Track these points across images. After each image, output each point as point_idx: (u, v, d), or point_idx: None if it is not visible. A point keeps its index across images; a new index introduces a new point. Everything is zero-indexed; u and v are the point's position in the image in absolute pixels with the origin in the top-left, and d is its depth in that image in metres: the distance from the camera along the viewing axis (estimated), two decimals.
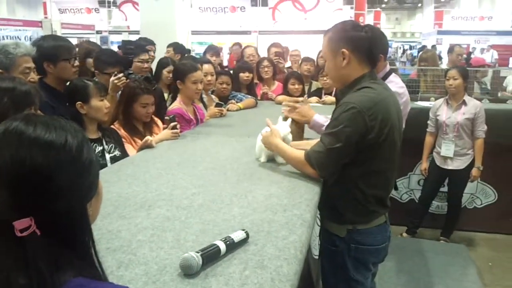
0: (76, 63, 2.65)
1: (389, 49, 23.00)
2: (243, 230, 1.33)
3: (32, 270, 0.70)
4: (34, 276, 0.70)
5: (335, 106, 1.92)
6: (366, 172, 1.83)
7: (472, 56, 9.55)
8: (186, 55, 5.07)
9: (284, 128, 2.12)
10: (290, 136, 2.13)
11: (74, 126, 0.78)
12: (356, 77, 1.84)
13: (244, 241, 1.30)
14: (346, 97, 1.81)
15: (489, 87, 5.18)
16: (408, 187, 4.82)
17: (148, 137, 2.51)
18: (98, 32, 18.70)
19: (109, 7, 19.17)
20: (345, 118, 1.74)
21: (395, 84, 2.55)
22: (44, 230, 0.71)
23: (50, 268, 0.72)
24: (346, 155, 1.78)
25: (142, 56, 3.68)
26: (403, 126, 2.58)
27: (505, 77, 6.00)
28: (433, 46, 15.74)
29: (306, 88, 4.80)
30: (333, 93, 4.30)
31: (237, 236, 1.29)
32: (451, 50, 6.31)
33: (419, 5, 31.67)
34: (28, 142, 0.72)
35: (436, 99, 4.46)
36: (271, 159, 2.17)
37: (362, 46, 1.82)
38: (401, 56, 21.28)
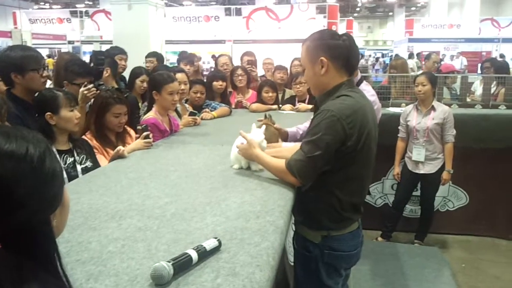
0: (45, 73, 2.60)
1: (362, 56, 23.39)
2: (216, 238, 1.32)
3: None
4: None
5: (314, 114, 1.94)
6: (343, 179, 1.85)
7: (442, 63, 9.78)
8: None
9: (258, 135, 2.12)
10: (264, 143, 2.13)
11: (36, 136, 0.77)
12: (335, 84, 1.87)
13: (216, 249, 1.29)
14: (325, 105, 1.83)
15: (458, 93, 5.30)
16: (382, 192, 4.88)
17: (120, 147, 2.48)
18: (70, 42, 18.48)
19: (81, 17, 18.93)
20: (324, 125, 1.76)
21: (367, 92, 2.58)
22: (5, 242, 0.70)
23: (13, 281, 0.70)
24: (326, 162, 1.80)
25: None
26: None
27: (472, 83, 6.16)
28: (418, 54, 16.07)
29: (280, 96, 4.83)
30: (307, 100, 4.34)
31: (209, 244, 1.28)
32: (428, 57, 6.46)
33: (390, 13, 32.36)
34: None
35: (406, 105, 4.54)
36: (247, 167, 2.18)
37: (340, 54, 1.85)
38: (374, 64, 21.64)
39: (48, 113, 2.32)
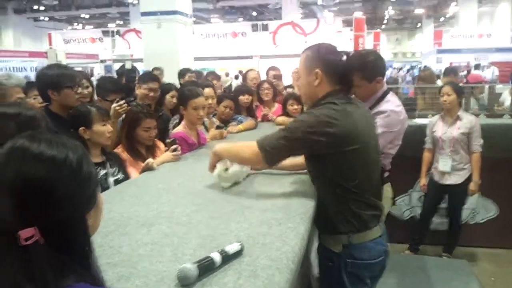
0: (80, 90, 2.75)
1: (391, 69, 23.14)
2: (239, 242, 1.39)
3: (37, 276, 0.77)
4: (40, 282, 0.77)
5: None
6: (348, 179, 1.88)
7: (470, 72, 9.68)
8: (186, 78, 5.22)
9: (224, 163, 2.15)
10: (245, 169, 2.22)
11: (74, 142, 0.86)
12: (324, 94, 1.94)
13: (239, 253, 1.36)
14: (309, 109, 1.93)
15: (485, 103, 5.26)
16: (409, 204, 4.85)
17: (149, 160, 2.58)
18: (102, 61, 19.04)
19: (112, 36, 19.53)
20: (304, 119, 1.86)
21: (392, 103, 2.61)
22: (47, 238, 0.78)
23: (55, 274, 0.78)
24: (301, 148, 1.88)
25: (151, 84, 3.72)
26: (400, 142, 2.66)
27: (501, 94, 6.08)
28: (425, 66, 15.86)
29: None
30: None
31: (232, 248, 1.35)
32: (447, 73, 6.46)
33: (419, 25, 32.04)
34: (32, 158, 0.80)
35: (433, 115, 4.53)
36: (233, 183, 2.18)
37: (335, 70, 1.92)
38: (404, 76, 21.44)
39: (82, 127, 2.45)
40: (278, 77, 5.33)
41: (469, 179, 4.11)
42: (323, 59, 1.93)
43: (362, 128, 1.91)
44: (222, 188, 2.13)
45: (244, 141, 2.14)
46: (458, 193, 4.20)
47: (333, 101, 1.88)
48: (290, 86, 5.56)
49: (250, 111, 4.52)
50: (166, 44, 9.20)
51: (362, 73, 2.49)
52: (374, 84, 2.58)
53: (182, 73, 5.31)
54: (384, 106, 2.56)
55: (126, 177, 2.59)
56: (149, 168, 2.55)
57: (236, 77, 14.53)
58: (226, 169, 2.14)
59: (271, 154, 1.89)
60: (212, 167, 2.15)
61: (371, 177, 1.98)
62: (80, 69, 18.04)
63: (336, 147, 1.82)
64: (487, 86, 5.67)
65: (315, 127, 1.81)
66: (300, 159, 2.17)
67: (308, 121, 1.83)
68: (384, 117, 2.49)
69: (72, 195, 0.81)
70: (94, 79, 3.99)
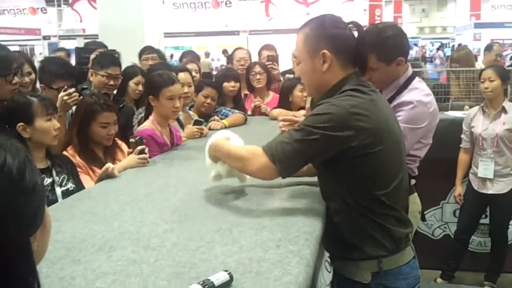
0: (16, 80, 2.70)
1: (415, 47, 23.25)
2: (226, 271, 1.38)
3: None
4: None
5: None
6: (370, 187, 1.85)
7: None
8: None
9: (236, 139, 2.17)
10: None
11: (15, 144, 0.85)
12: (337, 81, 1.91)
13: (227, 284, 1.35)
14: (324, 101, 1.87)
15: None
16: (441, 220, 4.88)
17: (109, 164, 2.57)
18: (45, 37, 18.95)
19: (59, 6, 19.44)
20: (322, 113, 1.79)
21: (420, 91, 2.61)
22: None
23: None
24: (320, 153, 1.82)
25: (110, 70, 3.68)
26: (430, 142, 2.67)
27: None
28: (459, 44, 15.99)
29: (309, 99, 4.90)
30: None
31: (218, 278, 1.34)
32: (489, 48, 6.48)
33: None
34: None
35: (471, 107, 4.56)
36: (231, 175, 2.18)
37: (346, 47, 1.91)
38: (433, 57, 21.61)
39: (21, 123, 2.43)
40: (274, 58, 5.32)
41: None
42: (330, 35, 1.90)
43: (393, 121, 1.93)
44: (202, 201, 2.13)
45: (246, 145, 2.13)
46: (503, 205, 4.23)
47: (356, 88, 1.85)
48: (289, 72, 5.56)
49: (237, 102, 4.52)
50: (128, 17, 9.15)
51: (378, 52, 2.50)
52: (394, 66, 2.58)
53: (139, 54, 5.26)
54: (408, 95, 2.57)
55: (78, 187, 2.57)
56: (108, 175, 2.54)
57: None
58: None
59: (287, 165, 1.83)
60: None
61: (402, 185, 1.97)
62: (17, 48, 17.96)
63: (369, 146, 1.78)
64: None
65: (341, 121, 1.75)
66: None
67: (331, 114, 1.77)
68: (409, 109, 2.49)
69: (11, 213, 0.79)
70: (36, 62, 3.94)
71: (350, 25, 1.94)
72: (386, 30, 2.59)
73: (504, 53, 16.71)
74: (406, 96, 2.56)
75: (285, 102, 4.53)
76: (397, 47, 2.60)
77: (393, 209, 1.90)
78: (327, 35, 1.90)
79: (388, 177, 1.88)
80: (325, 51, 1.88)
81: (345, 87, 1.87)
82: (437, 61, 20.68)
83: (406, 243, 1.96)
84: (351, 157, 1.80)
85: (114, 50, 4.95)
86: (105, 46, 4.77)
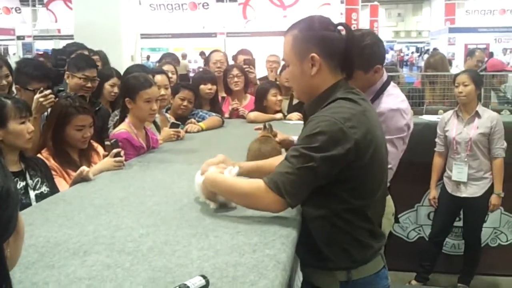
0: None
1: (391, 51, 23.44)
2: (202, 276, 1.38)
3: None
4: None
5: (304, 125, 1.95)
6: (351, 198, 1.83)
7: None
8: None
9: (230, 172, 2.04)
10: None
11: None
12: (327, 87, 1.87)
13: None
14: (317, 113, 1.82)
15: (509, 96, 5.39)
16: (416, 223, 4.93)
17: (83, 168, 2.54)
18: (19, 37, 18.70)
19: (33, 6, 19.19)
20: (318, 132, 1.73)
21: (395, 97, 2.62)
22: None
23: None
24: (323, 176, 1.76)
25: (88, 72, 3.63)
26: (405, 147, 2.69)
27: None
28: (434, 49, 16.20)
29: (287, 102, 4.92)
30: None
31: (194, 283, 1.34)
32: (471, 54, 6.58)
33: None
34: None
35: (445, 111, 4.62)
36: (223, 204, 2.07)
37: (336, 49, 1.87)
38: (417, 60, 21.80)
39: None
40: (250, 62, 5.33)
41: (489, 191, 4.21)
42: (319, 37, 1.85)
43: (380, 131, 1.91)
44: (178, 205, 2.12)
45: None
46: (477, 208, 4.29)
47: (348, 96, 1.83)
48: (264, 78, 5.59)
49: (214, 105, 4.52)
50: (104, 17, 9.08)
51: (356, 60, 2.50)
52: (372, 74, 2.60)
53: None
54: (386, 103, 2.58)
55: (53, 190, 2.54)
56: (83, 179, 2.52)
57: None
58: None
59: (296, 196, 1.78)
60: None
61: (382, 196, 1.97)
62: None
63: (359, 157, 1.76)
64: (510, 75, 5.81)
65: (337, 138, 1.71)
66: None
67: (325, 133, 1.72)
68: (391, 119, 2.50)
69: None
70: (11, 62, 3.88)
71: (339, 27, 1.90)
72: (364, 39, 2.57)
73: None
74: (383, 104, 2.57)
75: (260, 105, 4.55)
76: (375, 55, 2.60)
77: (369, 222, 1.89)
78: (316, 37, 1.85)
79: (372, 187, 1.87)
80: (314, 54, 1.83)
81: (336, 94, 1.84)
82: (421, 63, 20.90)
83: (376, 254, 1.96)
84: (340, 168, 1.77)
85: (97, 51, 4.88)
86: (86, 48, 4.72)
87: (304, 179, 1.76)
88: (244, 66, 5.08)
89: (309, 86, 1.90)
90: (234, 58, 5.63)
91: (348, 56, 1.89)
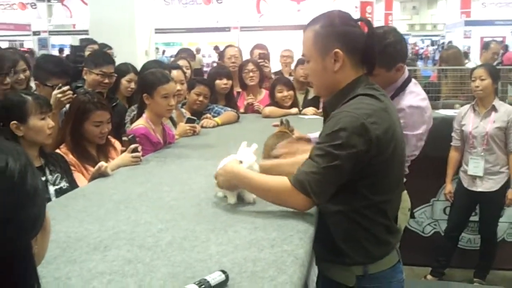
0: (8, 80, 2.69)
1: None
2: (222, 271, 1.39)
3: None
4: None
5: (325, 121, 1.97)
6: (371, 194, 1.84)
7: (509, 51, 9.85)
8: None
9: (247, 156, 2.05)
10: (256, 166, 2.07)
11: (16, 147, 0.85)
12: (348, 82, 1.88)
13: (223, 284, 1.36)
14: (338, 109, 1.82)
15: None
16: (431, 217, 4.91)
17: (102, 163, 2.56)
18: (35, 33, 18.80)
19: (49, 1, 19.29)
20: (341, 129, 1.74)
21: (416, 95, 2.61)
22: None
23: None
24: (347, 174, 1.77)
25: (105, 68, 3.66)
26: (423, 143, 2.69)
27: None
28: (449, 42, 16.05)
29: (302, 96, 4.93)
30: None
31: (214, 278, 1.35)
32: (486, 47, 6.52)
33: None
34: None
35: (461, 106, 4.59)
36: (240, 198, 2.09)
37: (358, 45, 1.86)
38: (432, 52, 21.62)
39: (14, 122, 2.42)
40: (265, 56, 5.34)
41: (506, 186, 4.18)
42: (341, 33, 1.84)
43: (399, 127, 1.92)
44: (196, 200, 2.13)
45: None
46: (493, 202, 4.27)
47: (369, 92, 1.83)
48: (278, 73, 5.60)
49: (229, 100, 4.52)
50: (119, 12, 9.10)
51: (378, 58, 2.49)
52: (394, 72, 2.57)
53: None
54: (406, 100, 2.57)
55: (72, 185, 2.57)
56: (101, 174, 2.54)
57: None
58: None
59: (323, 194, 1.80)
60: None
61: (400, 192, 1.98)
62: (6, 44, 17.82)
63: (381, 152, 1.77)
64: None
65: (359, 134, 1.72)
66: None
67: (347, 129, 1.73)
68: (408, 115, 2.49)
69: (14, 217, 0.80)
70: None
71: (360, 22, 1.91)
72: (387, 37, 2.55)
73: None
74: (404, 101, 2.56)
75: (273, 101, 4.60)
76: (397, 54, 2.58)
77: (387, 218, 1.91)
78: (338, 32, 1.85)
79: (392, 183, 1.89)
80: (337, 50, 1.83)
81: (357, 90, 1.85)
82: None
83: (392, 249, 1.98)
84: (362, 164, 1.78)
85: (106, 45, 4.92)
86: (95, 42, 4.75)
87: (330, 177, 1.77)
88: (259, 60, 5.08)
89: (331, 82, 1.90)
90: (251, 52, 5.63)
91: (369, 51, 1.89)
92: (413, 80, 2.71)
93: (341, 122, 1.75)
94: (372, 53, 1.90)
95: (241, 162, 2.01)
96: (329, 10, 2.00)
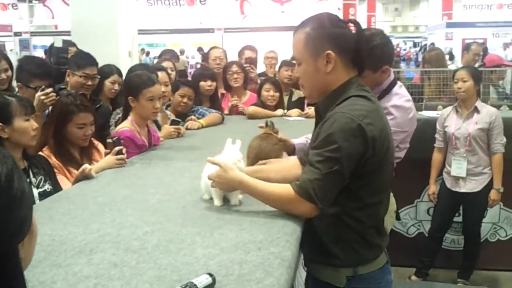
0: None
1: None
2: (209, 274, 1.39)
3: None
4: None
5: (316, 123, 1.98)
6: (363, 196, 1.86)
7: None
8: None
9: (233, 154, 2.07)
10: (242, 164, 2.10)
11: (2, 151, 0.84)
12: (340, 84, 1.89)
13: (210, 287, 1.36)
14: (332, 111, 1.83)
15: (508, 91, 5.41)
16: (415, 218, 4.95)
17: (85, 165, 2.55)
18: (16, 34, 18.63)
19: (30, 2, 19.13)
20: (338, 132, 1.75)
21: (401, 97, 2.64)
22: None
23: None
24: (347, 177, 1.80)
25: (88, 70, 3.65)
26: (407, 145, 2.72)
27: None
28: (432, 44, 16.18)
29: (286, 98, 4.94)
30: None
31: (201, 281, 1.35)
32: (467, 48, 6.58)
33: None
34: None
35: (444, 107, 4.63)
36: (226, 200, 2.11)
37: (349, 48, 1.88)
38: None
39: None
40: (252, 61, 5.35)
41: (489, 186, 4.22)
42: (332, 35, 1.86)
43: (389, 128, 1.93)
44: (181, 202, 2.13)
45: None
46: (476, 203, 4.30)
47: (362, 94, 1.85)
48: (263, 74, 5.60)
49: (214, 101, 4.52)
50: (101, 13, 9.04)
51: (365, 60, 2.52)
52: (380, 74, 2.60)
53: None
54: (391, 101, 2.60)
55: (56, 188, 2.55)
56: (85, 177, 2.53)
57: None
58: None
59: (327, 200, 1.81)
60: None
61: (389, 192, 2.00)
62: None
63: (374, 153, 1.79)
64: (509, 70, 5.82)
65: (356, 135, 1.74)
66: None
67: (343, 131, 1.75)
68: (391, 116, 2.52)
69: (0, 221, 0.79)
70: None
71: (350, 24, 1.92)
72: (374, 39, 2.57)
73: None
74: (388, 102, 2.59)
75: (259, 100, 4.63)
76: (384, 56, 2.61)
77: (377, 220, 1.93)
78: (329, 34, 1.87)
79: (383, 184, 1.91)
80: (329, 51, 1.84)
81: (349, 91, 1.86)
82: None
83: (381, 251, 1.99)
84: (358, 165, 1.80)
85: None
86: (74, 45, 4.72)
87: (333, 182, 1.79)
88: (246, 65, 5.08)
89: (323, 83, 1.91)
90: (240, 53, 5.62)
91: (359, 53, 1.91)
92: (399, 82, 2.74)
93: (337, 124, 1.76)
94: (362, 54, 1.92)
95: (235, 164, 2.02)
96: (318, 12, 2.02)
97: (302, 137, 2.80)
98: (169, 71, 4.27)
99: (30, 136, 2.47)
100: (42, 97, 2.92)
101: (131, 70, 3.80)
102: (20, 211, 0.83)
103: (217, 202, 2.06)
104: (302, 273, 2.53)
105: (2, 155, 0.83)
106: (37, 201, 2.39)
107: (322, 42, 1.86)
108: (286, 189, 1.84)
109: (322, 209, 1.81)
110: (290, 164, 2.23)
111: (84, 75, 3.58)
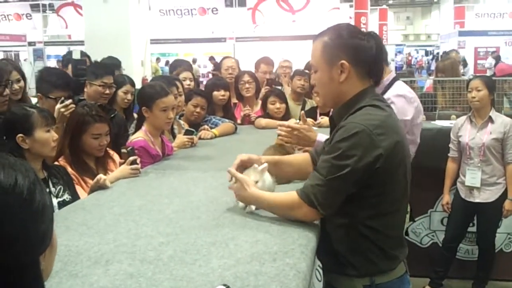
0: (7, 91, 2.70)
1: (400, 55, 23.44)
2: (224, 285, 1.39)
3: None
4: None
5: (331, 131, 2.00)
6: (378, 206, 1.87)
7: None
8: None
9: (255, 174, 2.11)
10: (268, 180, 2.14)
11: (24, 164, 0.85)
12: (355, 93, 1.91)
13: None
14: (345, 121, 1.86)
15: None
16: (429, 228, 4.92)
17: (100, 175, 2.56)
18: (30, 43, 18.81)
19: (44, 11, 19.30)
20: (346, 140, 1.78)
21: (403, 88, 2.70)
22: None
23: None
24: (352, 185, 1.81)
25: (106, 79, 3.69)
26: (418, 140, 2.74)
27: None
28: (445, 52, 16.09)
29: (299, 107, 4.93)
30: (331, 112, 4.43)
31: None
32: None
33: (435, 0, 32.57)
34: None
35: (458, 117, 4.61)
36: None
37: (366, 58, 1.91)
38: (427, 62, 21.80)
39: (20, 135, 2.43)
40: (273, 82, 5.38)
41: (503, 197, 4.19)
42: (349, 45, 1.89)
43: (404, 134, 1.95)
44: (196, 213, 2.13)
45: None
46: (490, 213, 4.27)
47: (375, 103, 1.87)
48: (276, 83, 5.61)
49: (227, 111, 4.53)
50: (114, 23, 9.14)
51: None
52: None
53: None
54: (393, 91, 2.65)
55: (74, 197, 2.58)
56: (100, 186, 2.54)
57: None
58: (257, 182, 2.09)
59: (328, 206, 1.84)
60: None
61: (407, 201, 2.01)
62: (1, 54, 17.81)
63: (390, 163, 1.81)
64: None
65: (367, 146, 1.76)
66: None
67: (355, 141, 1.77)
68: (394, 102, 2.56)
69: (23, 234, 0.80)
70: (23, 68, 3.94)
71: (369, 37, 1.94)
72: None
73: (486, 61, 16.94)
74: (391, 93, 2.63)
75: (265, 113, 4.61)
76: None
77: (394, 230, 1.94)
78: (346, 45, 1.90)
79: (398, 193, 1.91)
80: (343, 61, 1.87)
81: (363, 101, 1.89)
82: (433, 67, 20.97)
83: (399, 262, 1.98)
84: (369, 175, 1.81)
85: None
86: (88, 56, 4.77)
87: (335, 188, 1.82)
88: (266, 87, 5.12)
89: (337, 92, 1.95)
90: (256, 65, 5.60)
91: (377, 65, 1.94)
92: (400, 80, 2.79)
93: (346, 132, 1.79)
94: (380, 66, 1.96)
95: (257, 182, 2.08)
96: (329, 21, 2.05)
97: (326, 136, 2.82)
98: (188, 81, 4.34)
99: (51, 147, 2.50)
100: (62, 109, 2.95)
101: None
102: (42, 224, 0.84)
103: (240, 205, 2.14)
104: (316, 284, 2.52)
105: (24, 169, 0.84)
106: (56, 211, 2.40)
107: (338, 51, 1.90)
108: (291, 195, 1.91)
109: (323, 214, 1.86)
110: (302, 159, 2.35)
111: (102, 84, 3.63)
